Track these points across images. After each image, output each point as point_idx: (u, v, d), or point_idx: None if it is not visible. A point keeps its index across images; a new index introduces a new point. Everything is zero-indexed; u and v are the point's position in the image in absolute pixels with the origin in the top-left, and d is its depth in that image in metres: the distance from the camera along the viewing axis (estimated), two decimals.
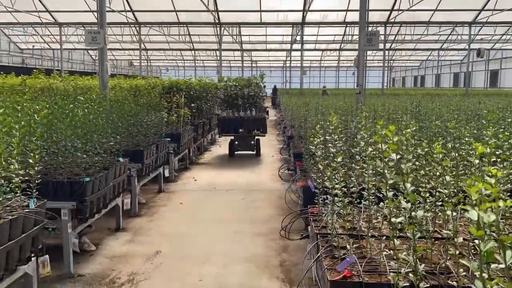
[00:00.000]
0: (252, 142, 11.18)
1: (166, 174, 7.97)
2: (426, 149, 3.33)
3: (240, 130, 10.98)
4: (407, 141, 2.97)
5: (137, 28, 23.72)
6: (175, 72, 58.79)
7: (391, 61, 45.39)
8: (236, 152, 11.26)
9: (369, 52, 37.22)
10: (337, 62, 47.43)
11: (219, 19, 22.23)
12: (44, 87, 8.82)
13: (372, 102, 10.44)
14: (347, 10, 21.54)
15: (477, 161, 2.97)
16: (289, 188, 6.90)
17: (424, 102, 10.58)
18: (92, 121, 4.69)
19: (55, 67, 33.18)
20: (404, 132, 3.03)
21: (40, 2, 20.74)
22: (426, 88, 43.80)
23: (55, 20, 23.23)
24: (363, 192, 3.37)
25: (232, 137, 11.29)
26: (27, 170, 3.60)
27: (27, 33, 28.96)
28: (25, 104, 3.85)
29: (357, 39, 8.01)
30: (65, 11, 21.91)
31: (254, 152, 11.27)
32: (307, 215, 3.97)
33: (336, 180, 3.35)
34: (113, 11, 19.11)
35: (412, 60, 44.98)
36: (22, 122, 3.30)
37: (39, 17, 21.06)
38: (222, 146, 13.18)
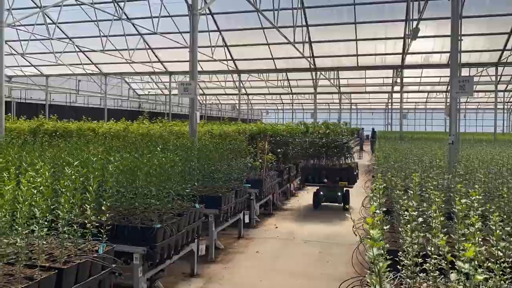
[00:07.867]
0: (339, 194, 9.96)
1: (246, 220, 8.00)
2: None
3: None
4: None
5: (238, 75, 25.12)
6: (275, 114, 60.47)
7: (509, 103, 41.29)
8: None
9: (481, 94, 34.34)
10: (444, 104, 44.53)
11: (315, 64, 22.55)
12: (143, 133, 9.63)
13: (475, 152, 9.47)
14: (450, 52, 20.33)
15: None
16: (357, 247, 6.42)
17: None
18: (167, 169, 4.94)
19: (166, 110, 36.38)
20: None
21: (154, 54, 23.20)
22: None
23: (166, 69, 25.71)
24: None
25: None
26: (98, 217, 3.87)
27: (143, 81, 32.41)
28: (100, 156, 4.20)
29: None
30: (174, 61, 24.19)
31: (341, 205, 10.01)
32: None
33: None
34: (215, 60, 20.57)
35: None
36: (96, 173, 3.58)
37: (152, 67, 23.49)
38: (309, 192, 12.93)
